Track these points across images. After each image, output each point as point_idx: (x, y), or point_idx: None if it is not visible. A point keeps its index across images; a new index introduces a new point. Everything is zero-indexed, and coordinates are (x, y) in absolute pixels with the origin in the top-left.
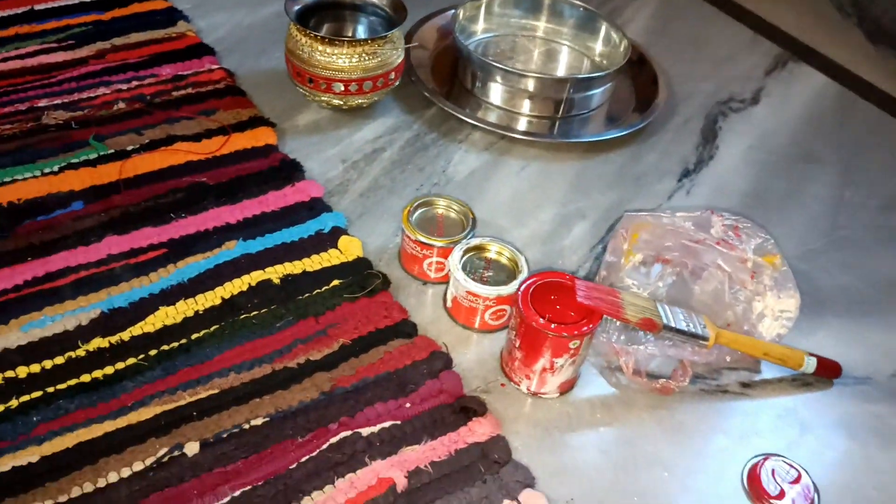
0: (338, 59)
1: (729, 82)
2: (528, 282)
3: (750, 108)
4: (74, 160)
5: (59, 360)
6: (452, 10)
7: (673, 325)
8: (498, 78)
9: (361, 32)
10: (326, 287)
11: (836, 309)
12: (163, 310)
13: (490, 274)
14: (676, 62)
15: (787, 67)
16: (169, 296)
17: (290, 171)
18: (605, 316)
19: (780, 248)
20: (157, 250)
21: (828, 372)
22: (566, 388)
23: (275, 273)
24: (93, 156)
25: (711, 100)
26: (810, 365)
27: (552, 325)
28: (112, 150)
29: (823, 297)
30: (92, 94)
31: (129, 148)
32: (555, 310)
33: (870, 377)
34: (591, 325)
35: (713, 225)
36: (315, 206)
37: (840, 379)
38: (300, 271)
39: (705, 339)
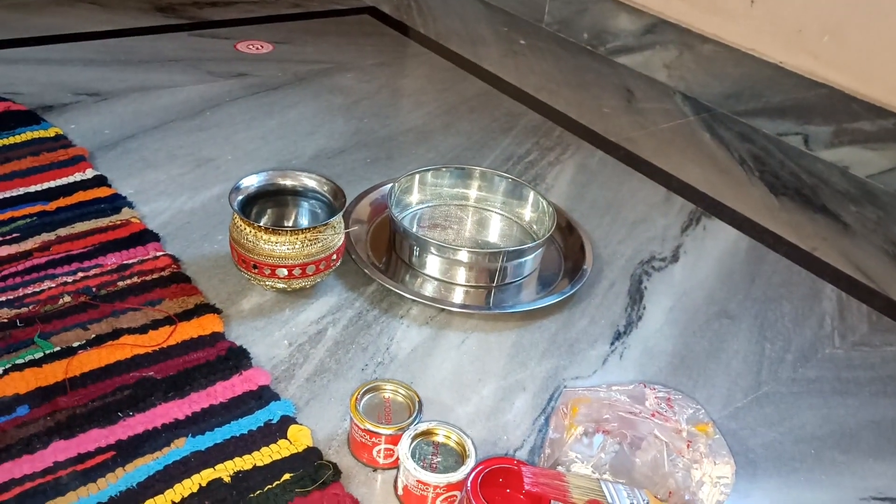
0: (281, 247)
1: (649, 242)
2: (476, 470)
3: (671, 267)
4: (19, 361)
5: None
6: (388, 185)
7: (618, 503)
8: (433, 250)
9: (303, 216)
10: (278, 482)
11: (768, 468)
12: None
13: (439, 459)
14: (598, 225)
15: (701, 223)
16: (118, 503)
17: (238, 360)
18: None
19: (709, 410)
20: (105, 453)
21: None
22: None
23: (225, 470)
24: (38, 355)
25: (634, 260)
26: None
27: None
28: (58, 348)
29: (754, 456)
30: (37, 289)
31: (76, 344)
32: (504, 494)
33: None
34: None
35: (647, 398)
36: (263, 395)
37: None
38: (251, 466)
39: None
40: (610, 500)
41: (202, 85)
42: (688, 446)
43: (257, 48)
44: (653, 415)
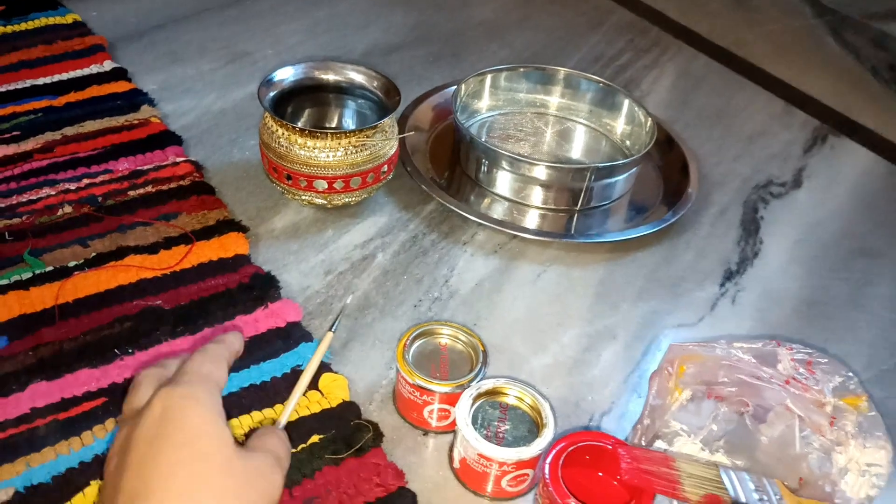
0: (320, 154)
1: (765, 163)
2: (558, 447)
3: (793, 193)
4: (3, 282)
5: None
6: (453, 87)
7: (743, 500)
8: (505, 165)
9: (348, 119)
10: (303, 445)
11: None
12: (94, 486)
13: (507, 427)
14: (703, 141)
15: (829, 143)
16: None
17: (264, 289)
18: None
19: (865, 386)
20: (94, 400)
21: None
22: None
23: (240, 427)
24: (26, 275)
25: (748, 184)
26: None
27: None
28: (50, 268)
29: None
30: (33, 197)
31: (72, 264)
32: (594, 479)
33: None
34: None
35: (780, 359)
36: (292, 334)
37: None
38: (271, 423)
39: None
40: (733, 496)
41: None
42: (831, 424)
43: None
44: (787, 382)
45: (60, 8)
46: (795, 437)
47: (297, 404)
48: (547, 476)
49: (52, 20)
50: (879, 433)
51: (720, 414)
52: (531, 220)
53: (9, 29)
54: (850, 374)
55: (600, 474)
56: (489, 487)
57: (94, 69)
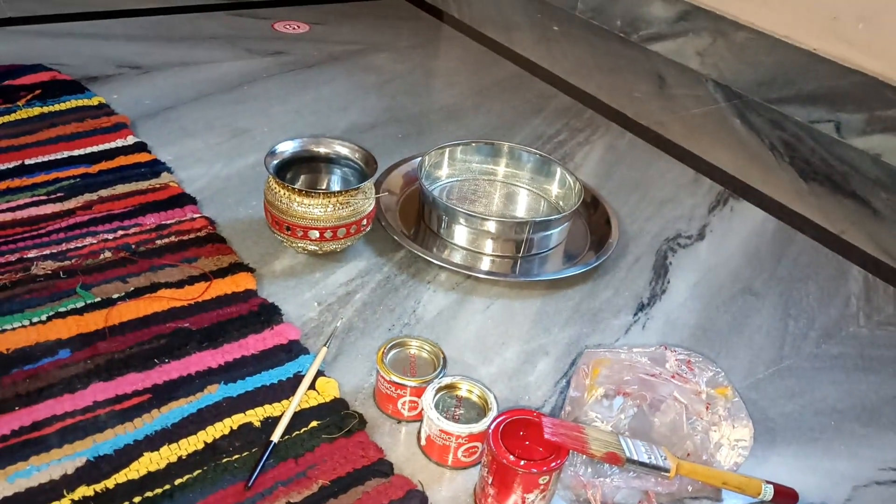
0: (314, 209)
1: (676, 220)
2: (498, 420)
3: (696, 244)
4: (62, 309)
5: None
6: (418, 158)
7: (635, 457)
8: (462, 221)
9: (335, 183)
10: (305, 428)
11: (787, 436)
12: (147, 456)
13: (461, 412)
14: (626, 202)
15: (729, 204)
16: (153, 441)
17: (269, 315)
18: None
19: (730, 379)
20: (142, 396)
21: (785, 499)
22: None
23: (255, 416)
24: (80, 304)
25: (661, 237)
26: (768, 493)
27: (522, 462)
28: (98, 299)
29: (774, 425)
30: (79, 245)
31: (115, 296)
32: (524, 446)
33: (825, 503)
34: (559, 461)
35: (667, 360)
36: (293, 349)
37: None
38: (280, 413)
39: (667, 470)
40: (628, 454)
41: (240, 61)
42: (707, 409)
43: (294, 28)
44: (673, 376)
45: (87, 92)
46: (683, 421)
47: (300, 400)
48: (490, 440)
49: (80, 102)
50: (743, 415)
51: (626, 407)
52: (483, 264)
53: (45, 109)
54: (718, 369)
55: (528, 443)
56: (450, 459)
57: (119, 143)
